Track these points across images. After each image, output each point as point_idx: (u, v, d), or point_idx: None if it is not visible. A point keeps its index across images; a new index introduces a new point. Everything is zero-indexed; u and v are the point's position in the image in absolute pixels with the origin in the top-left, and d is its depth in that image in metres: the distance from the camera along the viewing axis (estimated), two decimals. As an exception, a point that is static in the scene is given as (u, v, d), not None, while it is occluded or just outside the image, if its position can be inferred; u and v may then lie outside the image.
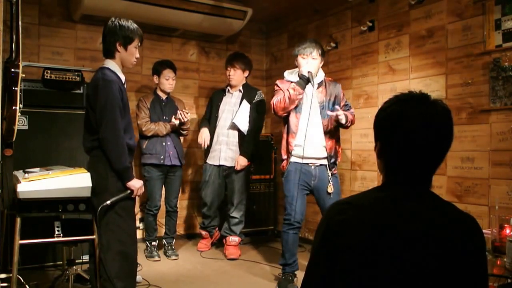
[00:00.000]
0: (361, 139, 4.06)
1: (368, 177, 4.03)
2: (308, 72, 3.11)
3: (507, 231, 2.06)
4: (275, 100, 3.20)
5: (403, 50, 3.72)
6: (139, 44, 2.57)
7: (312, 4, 4.63)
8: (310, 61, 3.15)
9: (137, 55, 2.59)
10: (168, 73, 3.96)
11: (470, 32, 3.20)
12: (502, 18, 2.99)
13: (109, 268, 2.39)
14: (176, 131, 4.00)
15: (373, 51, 4.00)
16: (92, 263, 2.65)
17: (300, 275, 3.23)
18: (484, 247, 1.07)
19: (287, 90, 3.13)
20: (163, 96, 4.03)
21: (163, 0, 4.09)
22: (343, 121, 3.13)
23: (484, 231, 1.27)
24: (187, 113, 3.86)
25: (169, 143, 3.96)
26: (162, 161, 3.90)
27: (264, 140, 4.95)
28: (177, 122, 3.88)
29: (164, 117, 3.97)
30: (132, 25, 2.51)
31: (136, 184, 2.45)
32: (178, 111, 3.87)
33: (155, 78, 4.01)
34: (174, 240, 4.14)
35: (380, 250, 1.00)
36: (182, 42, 4.90)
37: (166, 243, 4.09)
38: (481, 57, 3.13)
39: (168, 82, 3.97)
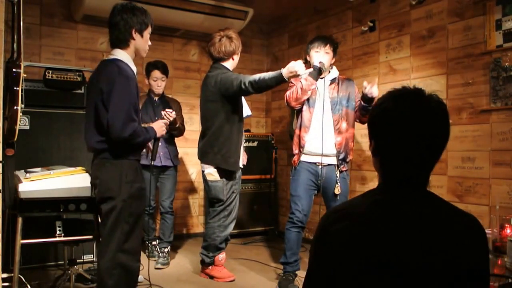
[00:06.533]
0: (361, 139, 4.06)
1: (368, 177, 4.03)
2: (320, 62, 3.13)
3: (508, 231, 2.07)
4: (288, 92, 3.23)
5: (404, 50, 3.72)
6: (151, 29, 2.38)
7: (313, 4, 4.64)
8: (322, 54, 3.19)
9: (149, 42, 2.40)
10: (155, 74, 3.87)
11: (471, 32, 3.20)
12: (503, 19, 2.99)
13: (107, 278, 2.21)
14: (169, 131, 3.86)
15: (374, 51, 4.01)
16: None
17: (301, 274, 3.23)
18: (486, 248, 1.06)
19: (299, 81, 3.16)
20: (155, 97, 3.96)
21: (165, 0, 4.10)
22: (375, 94, 2.98)
23: (484, 230, 1.27)
24: (171, 112, 3.58)
25: (160, 143, 3.86)
26: (151, 162, 3.82)
27: (264, 140, 4.96)
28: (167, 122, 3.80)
29: (156, 118, 3.82)
30: (144, 8, 2.33)
31: (158, 130, 2.59)
32: (162, 112, 3.58)
33: (146, 80, 3.96)
34: (169, 247, 3.86)
35: (380, 259, 0.98)
36: (184, 42, 4.91)
37: (158, 248, 3.83)
38: (481, 57, 3.13)
39: (156, 83, 3.88)
